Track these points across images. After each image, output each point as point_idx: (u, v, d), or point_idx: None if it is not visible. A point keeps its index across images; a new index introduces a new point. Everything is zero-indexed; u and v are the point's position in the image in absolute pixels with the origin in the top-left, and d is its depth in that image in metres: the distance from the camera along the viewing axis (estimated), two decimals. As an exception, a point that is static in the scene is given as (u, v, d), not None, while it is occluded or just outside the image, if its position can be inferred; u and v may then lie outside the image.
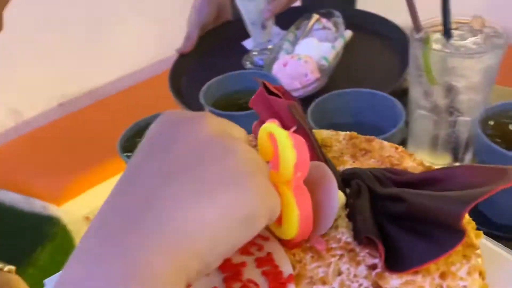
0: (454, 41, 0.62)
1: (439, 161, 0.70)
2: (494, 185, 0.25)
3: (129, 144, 0.65)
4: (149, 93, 1.57)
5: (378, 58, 0.87)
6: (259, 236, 0.32)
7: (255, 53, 0.93)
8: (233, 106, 0.74)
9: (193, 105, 0.84)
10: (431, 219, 0.27)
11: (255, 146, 0.39)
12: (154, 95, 1.60)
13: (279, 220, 0.31)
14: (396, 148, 0.38)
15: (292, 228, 0.30)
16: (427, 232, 0.28)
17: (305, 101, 0.81)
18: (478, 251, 0.29)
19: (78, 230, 1.48)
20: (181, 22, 1.01)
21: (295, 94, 0.81)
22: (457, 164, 0.27)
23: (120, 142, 0.64)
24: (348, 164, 0.37)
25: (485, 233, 0.31)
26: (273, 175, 0.30)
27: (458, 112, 0.64)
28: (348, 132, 0.41)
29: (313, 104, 0.66)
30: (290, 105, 0.34)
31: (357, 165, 0.37)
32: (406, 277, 0.28)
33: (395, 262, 0.29)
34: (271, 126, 0.30)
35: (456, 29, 0.64)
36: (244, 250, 0.31)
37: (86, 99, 1.65)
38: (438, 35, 0.64)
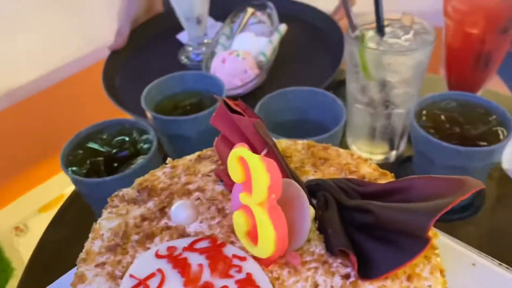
0: (388, 39, 0.65)
1: (376, 150, 0.74)
2: (454, 196, 0.28)
3: (73, 158, 0.62)
4: (72, 91, 1.50)
5: (313, 51, 0.90)
6: (237, 257, 0.33)
7: (190, 48, 0.92)
8: (175, 109, 0.73)
9: (128, 103, 0.82)
10: (398, 229, 0.30)
11: (216, 162, 0.40)
12: (81, 92, 1.53)
13: (255, 240, 0.32)
14: (352, 155, 0.40)
15: (269, 247, 0.31)
16: (394, 240, 0.30)
17: (246, 98, 0.82)
18: (437, 251, 0.32)
19: (7, 241, 1.41)
20: (103, 13, 0.97)
21: (235, 92, 0.81)
22: (408, 176, 0.29)
23: (62, 157, 0.61)
24: (310, 174, 0.38)
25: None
26: (246, 198, 0.31)
27: (393, 105, 0.68)
28: (305, 141, 0.42)
29: (258, 105, 0.67)
30: (255, 124, 0.35)
31: (318, 174, 0.38)
32: (377, 283, 0.31)
33: (367, 270, 0.31)
34: (242, 151, 0.30)
35: (388, 25, 0.67)
36: (224, 273, 0.32)
37: (3, 101, 1.55)
38: (371, 33, 0.67)
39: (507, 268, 0.38)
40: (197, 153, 0.42)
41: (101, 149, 0.63)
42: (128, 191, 0.39)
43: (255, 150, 0.36)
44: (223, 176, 0.38)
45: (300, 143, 0.41)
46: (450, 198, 0.28)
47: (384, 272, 0.30)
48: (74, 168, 0.61)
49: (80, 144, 0.64)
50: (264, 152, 0.34)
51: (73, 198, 0.76)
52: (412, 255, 0.29)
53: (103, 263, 0.34)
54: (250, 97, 0.84)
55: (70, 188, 1.70)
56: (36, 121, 1.51)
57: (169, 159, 0.42)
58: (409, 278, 0.31)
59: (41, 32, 1.62)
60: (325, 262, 0.32)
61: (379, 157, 0.74)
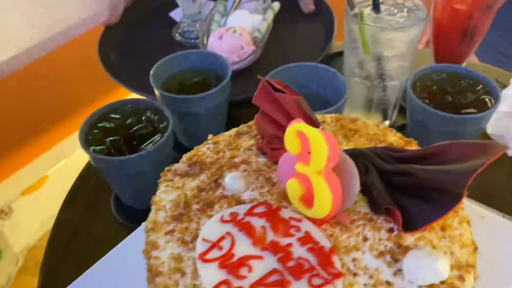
0: (384, 16, 0.70)
1: (372, 121, 0.80)
2: (486, 157, 0.33)
3: (92, 138, 0.64)
4: (50, 70, 1.48)
5: (305, 27, 0.94)
6: (293, 218, 0.37)
7: (184, 25, 0.94)
8: (181, 88, 0.76)
9: (124, 77, 0.84)
10: (435, 188, 0.35)
11: (255, 136, 0.44)
12: (60, 71, 1.51)
13: (310, 204, 0.37)
14: (378, 126, 0.45)
15: (326, 209, 0.35)
16: (431, 198, 0.36)
17: (242, 73, 0.85)
18: (462, 205, 0.38)
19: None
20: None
21: (232, 67, 0.84)
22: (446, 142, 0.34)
23: (81, 136, 0.63)
24: (343, 144, 0.43)
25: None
26: (303, 167, 0.36)
27: (389, 78, 0.73)
28: (333, 115, 0.47)
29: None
30: (299, 101, 0.39)
31: (351, 145, 0.43)
32: (417, 234, 0.36)
33: (407, 224, 0.36)
34: (301, 126, 0.35)
35: (382, 3, 0.72)
36: (285, 232, 0.36)
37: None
38: (368, 10, 0.71)
39: (510, 219, 0.45)
40: (234, 130, 0.46)
41: (118, 128, 0.66)
42: (180, 166, 0.42)
43: (298, 124, 0.40)
44: (265, 149, 0.42)
45: (329, 116, 0.46)
46: (483, 159, 0.33)
47: (423, 225, 0.36)
48: (95, 148, 0.63)
49: (96, 124, 0.66)
50: (321, 126, 0.39)
51: (83, 177, 0.78)
52: (447, 210, 0.35)
53: (172, 231, 0.37)
54: (246, 73, 0.88)
55: (53, 169, 1.69)
56: (14, 102, 1.49)
57: (210, 136, 0.46)
58: (443, 228, 0.37)
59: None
60: (371, 219, 0.37)
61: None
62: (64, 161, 1.56)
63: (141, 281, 0.40)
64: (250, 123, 0.47)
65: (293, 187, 0.37)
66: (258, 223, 0.37)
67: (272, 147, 0.42)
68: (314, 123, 0.39)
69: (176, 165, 0.42)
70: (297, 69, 0.73)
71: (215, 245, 0.35)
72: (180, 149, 0.66)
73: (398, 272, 0.34)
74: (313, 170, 0.35)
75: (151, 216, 0.39)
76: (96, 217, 0.73)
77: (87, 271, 0.43)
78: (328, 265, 0.34)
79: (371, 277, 0.34)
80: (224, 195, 0.40)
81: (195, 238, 0.37)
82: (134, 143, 0.64)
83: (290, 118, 0.41)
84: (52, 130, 1.48)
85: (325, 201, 0.35)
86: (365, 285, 0.33)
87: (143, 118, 0.67)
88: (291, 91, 0.41)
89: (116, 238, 0.68)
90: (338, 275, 0.33)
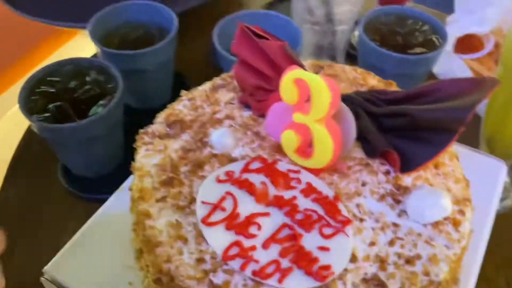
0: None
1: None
2: (482, 93, 0.33)
3: (34, 105, 0.58)
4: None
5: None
6: (291, 171, 0.36)
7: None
8: (123, 44, 0.70)
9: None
10: (430, 127, 0.35)
11: (233, 89, 0.41)
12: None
13: (307, 154, 0.36)
14: (355, 70, 0.44)
15: (327, 157, 0.34)
16: (424, 137, 0.36)
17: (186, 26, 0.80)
18: (449, 142, 0.39)
19: None
20: None
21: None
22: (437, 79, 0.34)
23: (22, 105, 0.56)
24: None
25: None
26: (301, 117, 0.34)
27: (339, 22, 0.72)
28: (309, 60, 0.45)
29: (215, 30, 0.67)
30: (285, 46, 0.37)
31: (333, 90, 0.42)
32: (414, 174, 0.37)
33: (403, 165, 0.36)
34: (300, 73, 0.33)
35: None
36: (287, 186, 0.35)
37: None
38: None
39: (481, 152, 0.47)
40: (208, 83, 0.43)
41: (61, 92, 0.60)
42: (157, 127, 0.39)
43: (282, 72, 0.38)
44: (250, 102, 0.40)
45: (305, 63, 0.44)
46: (479, 94, 0.33)
47: (419, 165, 0.36)
48: (39, 116, 0.57)
49: (34, 89, 0.59)
50: (321, 72, 0.37)
51: (22, 150, 0.71)
52: (442, 147, 0.35)
53: (164, 197, 0.35)
54: (191, 27, 0.83)
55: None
56: None
57: (183, 91, 0.42)
58: (436, 166, 0.37)
59: None
60: (367, 164, 0.37)
61: (309, 61, 0.80)
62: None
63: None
64: (223, 75, 0.44)
65: (289, 139, 0.36)
66: (257, 179, 0.35)
67: (256, 99, 0.39)
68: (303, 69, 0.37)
69: (153, 127, 0.39)
70: (247, 17, 0.70)
71: (217, 206, 0.33)
72: (126, 110, 0.62)
73: (402, 213, 0.34)
74: (314, 118, 0.33)
75: (136, 184, 0.35)
76: (44, 191, 0.67)
77: (62, 250, 0.39)
78: (336, 214, 0.33)
79: (377, 220, 0.34)
80: (213, 154, 0.37)
81: (191, 202, 0.34)
82: (83, 107, 0.58)
83: (274, 66, 0.39)
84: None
85: (326, 150, 0.34)
86: (373, 229, 0.33)
87: (88, 79, 0.61)
88: (273, 37, 0.39)
89: (72, 212, 0.64)
90: (347, 222, 0.33)
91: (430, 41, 0.69)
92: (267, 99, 0.40)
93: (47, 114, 0.57)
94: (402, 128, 0.36)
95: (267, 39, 0.38)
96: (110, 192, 0.62)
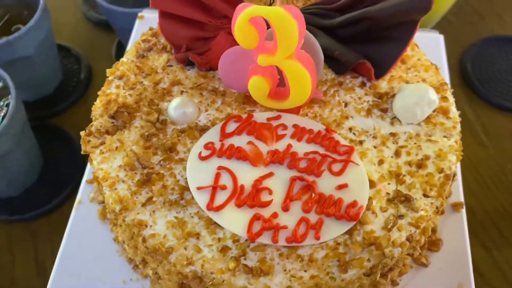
0: None
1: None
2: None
3: None
4: None
5: None
6: (271, 118, 0.32)
7: None
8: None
9: None
10: (392, 23, 0.33)
11: (163, 49, 0.36)
12: None
13: (282, 95, 0.32)
14: (282, -15, 0.40)
15: (307, 91, 0.31)
16: (388, 36, 0.34)
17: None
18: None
19: None
20: None
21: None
22: None
23: None
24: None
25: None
26: (268, 58, 0.30)
27: None
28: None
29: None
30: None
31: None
32: (387, 76, 0.35)
33: (376, 71, 0.34)
34: (255, 10, 0.28)
35: None
36: (275, 136, 0.32)
37: None
38: None
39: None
40: (131, 51, 0.37)
41: None
42: (101, 123, 0.33)
43: (220, 14, 0.33)
44: (192, 58, 0.35)
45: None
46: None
47: (390, 66, 0.34)
48: None
49: None
50: (277, 2, 0.32)
51: None
52: (408, 41, 0.34)
53: (150, 198, 0.30)
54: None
55: None
56: None
57: (108, 70, 0.35)
58: (403, 61, 0.36)
59: None
60: (340, 82, 0.35)
61: None
62: None
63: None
64: (143, 36, 0.37)
65: (257, 86, 0.32)
66: (241, 141, 0.31)
67: (197, 52, 0.34)
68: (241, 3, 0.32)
69: (95, 123, 0.33)
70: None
71: (215, 188, 0.29)
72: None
73: (394, 120, 0.33)
74: (283, 56, 0.29)
75: (109, 195, 0.30)
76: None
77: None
78: (336, 146, 0.31)
79: (374, 137, 0.32)
80: (179, 130, 0.32)
81: (181, 192, 0.30)
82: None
83: (207, 10, 0.34)
84: None
85: (304, 84, 0.31)
86: (374, 147, 0.32)
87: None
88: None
89: (10, 239, 0.56)
90: (350, 150, 0.31)
91: None
92: (209, 49, 0.35)
93: None
94: (362, 33, 0.34)
95: (189, -19, 0.32)
96: (46, 203, 0.55)
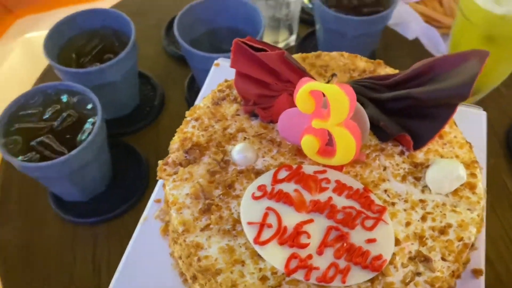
0: None
1: (280, 38, 0.80)
2: (476, 67, 0.36)
3: (14, 146, 0.55)
4: None
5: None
6: (317, 172, 0.38)
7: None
8: (81, 56, 0.67)
9: None
10: (434, 104, 0.38)
11: (234, 100, 0.42)
12: None
13: (329, 154, 0.38)
14: (342, 55, 0.46)
15: (351, 154, 0.37)
16: (428, 114, 0.39)
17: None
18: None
19: None
20: None
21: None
22: (426, 60, 0.35)
23: (3, 148, 0.54)
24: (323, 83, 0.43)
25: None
26: (320, 123, 0.36)
27: (292, -7, 0.72)
28: (297, 54, 0.46)
29: (175, 26, 0.66)
30: (282, 55, 0.38)
31: (331, 81, 0.44)
32: (424, 149, 0.40)
33: (415, 143, 0.39)
34: (315, 85, 0.34)
35: None
36: (319, 188, 0.37)
37: None
38: None
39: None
40: (207, 98, 0.43)
41: (39, 125, 0.58)
42: (176, 156, 0.39)
43: (285, 78, 0.40)
44: (257, 111, 0.41)
45: (294, 57, 0.45)
46: (474, 69, 0.36)
47: (428, 140, 0.39)
48: (23, 157, 0.55)
49: (8, 129, 0.57)
50: (335, 80, 0.38)
51: (2, 191, 0.68)
52: (446, 120, 0.38)
53: (207, 225, 0.36)
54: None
55: None
56: None
57: (186, 112, 0.42)
58: (441, 136, 0.41)
59: None
60: (382, 149, 0.40)
61: (283, 44, 0.81)
62: None
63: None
64: (220, 86, 0.44)
65: (309, 143, 0.37)
66: (289, 188, 0.37)
67: (262, 107, 0.41)
68: (304, 73, 0.39)
69: (172, 156, 0.39)
70: (202, 5, 0.69)
71: (263, 225, 0.35)
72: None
73: (425, 188, 0.38)
74: (334, 123, 0.35)
75: (175, 218, 0.36)
76: (39, 225, 0.65)
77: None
78: (371, 205, 0.36)
79: (406, 201, 0.37)
80: (239, 171, 0.38)
81: (234, 224, 0.36)
82: (68, 136, 0.57)
83: (274, 73, 0.40)
84: None
85: (349, 148, 0.36)
86: (404, 210, 0.37)
87: (62, 106, 0.59)
88: (269, 46, 0.39)
89: (74, 239, 0.63)
90: (382, 210, 0.36)
91: (382, -3, 0.71)
92: (272, 105, 0.41)
93: (30, 154, 0.55)
94: (407, 109, 0.39)
95: (263, 49, 0.39)
96: (109, 211, 0.62)
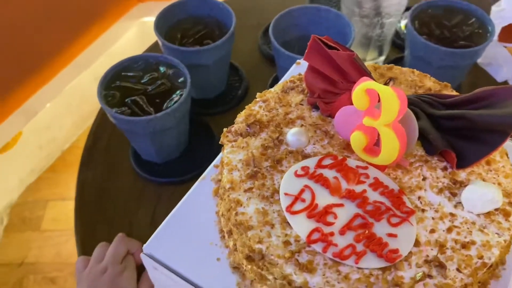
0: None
1: (368, 57, 0.83)
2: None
3: (112, 99, 0.64)
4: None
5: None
6: (360, 167, 0.41)
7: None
8: (184, 38, 0.75)
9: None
10: (485, 129, 0.40)
11: (302, 91, 0.47)
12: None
13: (374, 153, 0.41)
14: (413, 72, 0.49)
15: (393, 156, 0.39)
16: (479, 137, 0.40)
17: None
18: (499, 140, 0.43)
19: None
20: None
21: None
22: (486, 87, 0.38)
23: (102, 100, 0.63)
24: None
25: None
26: (371, 121, 0.39)
27: (387, 15, 0.76)
28: (370, 64, 0.50)
29: (271, 26, 0.71)
30: (353, 56, 0.42)
31: (393, 92, 0.46)
32: (468, 170, 0.41)
33: (460, 162, 0.41)
34: (371, 84, 0.38)
35: None
36: (357, 180, 0.40)
37: None
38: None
39: None
40: (279, 86, 0.48)
41: (136, 87, 0.66)
42: (239, 126, 0.45)
43: (351, 79, 0.43)
44: (319, 104, 0.45)
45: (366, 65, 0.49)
46: (530, 102, 0.38)
47: (473, 162, 0.41)
48: (117, 109, 0.63)
49: (110, 84, 0.66)
50: (391, 83, 0.42)
51: (94, 138, 0.78)
52: (495, 147, 0.40)
53: (251, 188, 0.41)
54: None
55: (27, 126, 1.64)
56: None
57: (258, 94, 0.48)
58: (488, 163, 0.42)
59: None
60: (427, 160, 0.42)
61: (369, 63, 0.84)
62: (36, 116, 1.52)
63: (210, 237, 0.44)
64: (292, 78, 0.49)
65: (357, 139, 0.41)
66: (330, 174, 0.41)
67: (325, 101, 0.45)
68: (369, 77, 0.42)
69: (235, 126, 0.45)
70: (299, 11, 0.74)
71: (297, 198, 0.39)
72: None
73: (458, 204, 0.39)
74: (383, 123, 0.38)
75: (226, 176, 0.41)
76: (116, 174, 0.74)
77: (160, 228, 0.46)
78: (401, 205, 0.39)
79: (436, 211, 0.39)
80: (289, 151, 0.43)
81: (273, 193, 0.40)
82: (157, 101, 0.65)
83: (342, 72, 0.44)
84: (20, 87, 1.42)
85: (393, 150, 0.39)
86: (433, 218, 0.39)
87: (159, 74, 0.67)
88: (342, 47, 0.43)
89: (142, 193, 0.71)
90: (411, 212, 0.38)
91: (477, 34, 0.72)
92: (334, 101, 0.45)
93: (124, 108, 0.64)
94: (459, 129, 0.41)
95: (336, 48, 0.43)
96: (177, 176, 0.69)
